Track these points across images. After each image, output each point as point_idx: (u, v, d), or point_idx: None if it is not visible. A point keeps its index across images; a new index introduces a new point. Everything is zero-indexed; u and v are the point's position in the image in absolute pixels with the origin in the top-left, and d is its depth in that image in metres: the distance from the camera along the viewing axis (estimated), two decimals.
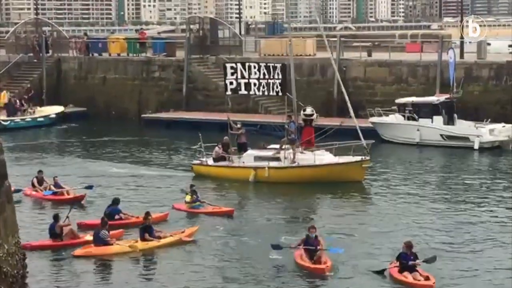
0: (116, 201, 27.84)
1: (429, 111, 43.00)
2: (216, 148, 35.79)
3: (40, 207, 30.58)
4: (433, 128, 42.48)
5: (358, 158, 33.56)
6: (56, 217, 25.21)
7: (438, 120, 42.82)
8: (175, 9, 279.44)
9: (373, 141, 35.60)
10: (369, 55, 51.93)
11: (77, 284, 21.46)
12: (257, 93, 36.70)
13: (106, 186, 33.42)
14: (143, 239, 24.53)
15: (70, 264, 23.15)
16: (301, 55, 52.41)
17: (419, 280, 21.10)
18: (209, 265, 22.86)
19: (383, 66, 49.83)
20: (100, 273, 22.64)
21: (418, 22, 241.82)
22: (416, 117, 42.73)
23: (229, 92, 36.99)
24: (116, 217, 27.26)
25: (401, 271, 21.33)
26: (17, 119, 52.56)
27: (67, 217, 25.30)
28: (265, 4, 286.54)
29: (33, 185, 32.07)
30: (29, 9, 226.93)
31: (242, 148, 35.81)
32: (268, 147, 35.53)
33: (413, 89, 47.39)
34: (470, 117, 43.53)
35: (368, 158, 33.59)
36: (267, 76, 35.43)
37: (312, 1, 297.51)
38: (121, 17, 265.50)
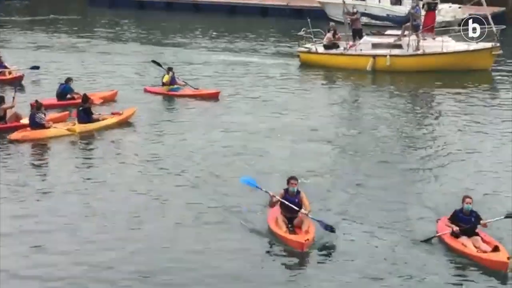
0: (68, 80, 27.42)
1: None
2: (328, 34, 33.60)
3: None
4: (381, 7, 42.19)
5: (488, 44, 31.92)
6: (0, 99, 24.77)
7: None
8: None
9: (504, 26, 33.14)
10: None
11: (16, 167, 20.96)
12: None
13: (56, 66, 33.03)
14: (80, 121, 24.13)
15: (10, 148, 22.70)
16: None
17: (484, 251, 14.77)
18: (148, 151, 22.14)
19: None
20: (39, 156, 22.16)
21: None
22: None
23: None
24: (68, 96, 26.94)
25: (456, 235, 15.25)
26: None
27: (13, 98, 24.82)
28: None
29: None
30: None
31: (357, 35, 33.53)
32: (386, 33, 33.59)
33: None
34: None
35: (498, 44, 31.90)
36: None
37: None
38: None
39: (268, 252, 15.02)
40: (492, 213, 16.27)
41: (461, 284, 13.90)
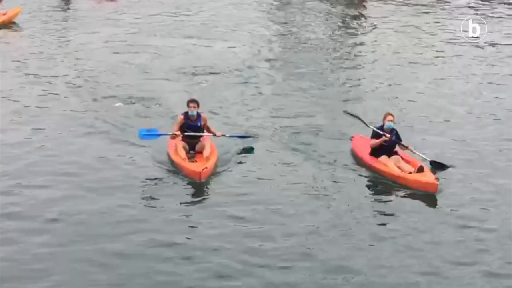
0: None
1: None
2: None
3: None
4: None
5: None
6: None
7: None
8: None
9: None
10: None
11: None
12: None
13: None
14: None
15: None
16: None
17: (409, 172, 13.61)
18: (34, 54, 20.49)
19: None
20: None
21: None
22: None
23: None
24: None
25: (376, 154, 14.14)
26: None
27: None
28: None
29: None
30: None
31: None
32: None
33: None
34: None
35: None
36: None
37: None
38: None
39: (164, 181, 13.45)
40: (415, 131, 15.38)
41: (392, 213, 12.41)
